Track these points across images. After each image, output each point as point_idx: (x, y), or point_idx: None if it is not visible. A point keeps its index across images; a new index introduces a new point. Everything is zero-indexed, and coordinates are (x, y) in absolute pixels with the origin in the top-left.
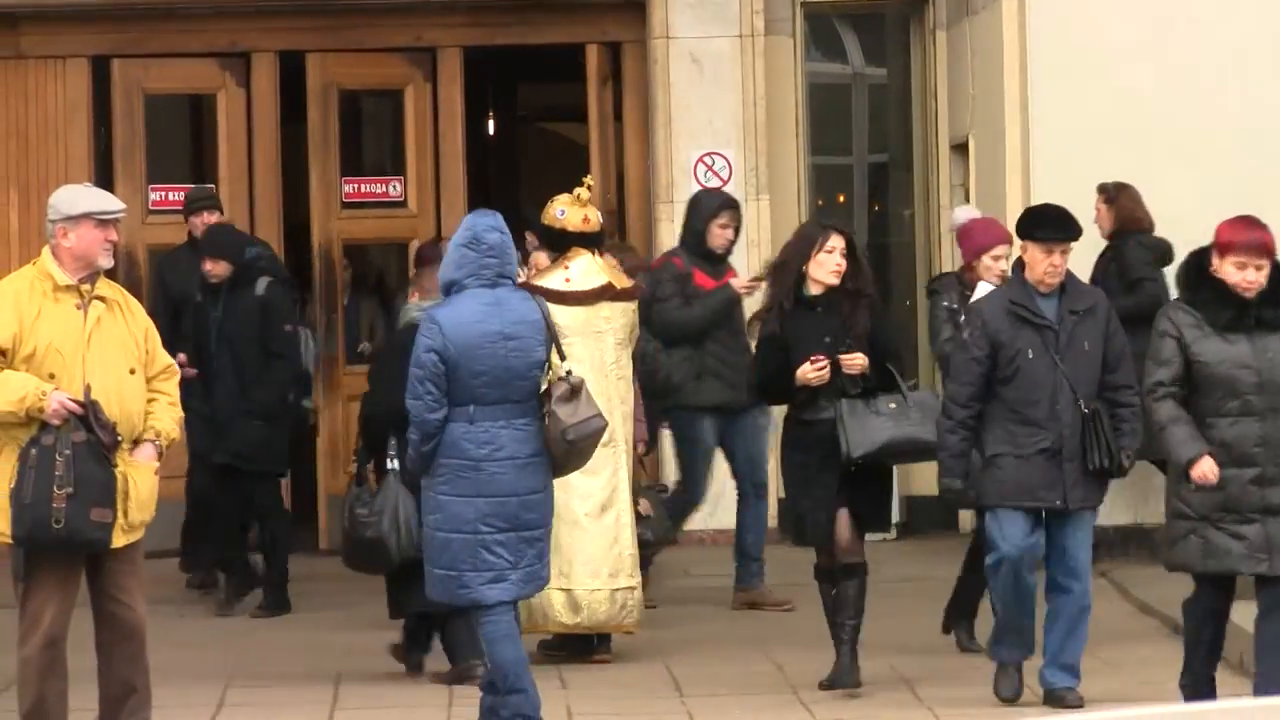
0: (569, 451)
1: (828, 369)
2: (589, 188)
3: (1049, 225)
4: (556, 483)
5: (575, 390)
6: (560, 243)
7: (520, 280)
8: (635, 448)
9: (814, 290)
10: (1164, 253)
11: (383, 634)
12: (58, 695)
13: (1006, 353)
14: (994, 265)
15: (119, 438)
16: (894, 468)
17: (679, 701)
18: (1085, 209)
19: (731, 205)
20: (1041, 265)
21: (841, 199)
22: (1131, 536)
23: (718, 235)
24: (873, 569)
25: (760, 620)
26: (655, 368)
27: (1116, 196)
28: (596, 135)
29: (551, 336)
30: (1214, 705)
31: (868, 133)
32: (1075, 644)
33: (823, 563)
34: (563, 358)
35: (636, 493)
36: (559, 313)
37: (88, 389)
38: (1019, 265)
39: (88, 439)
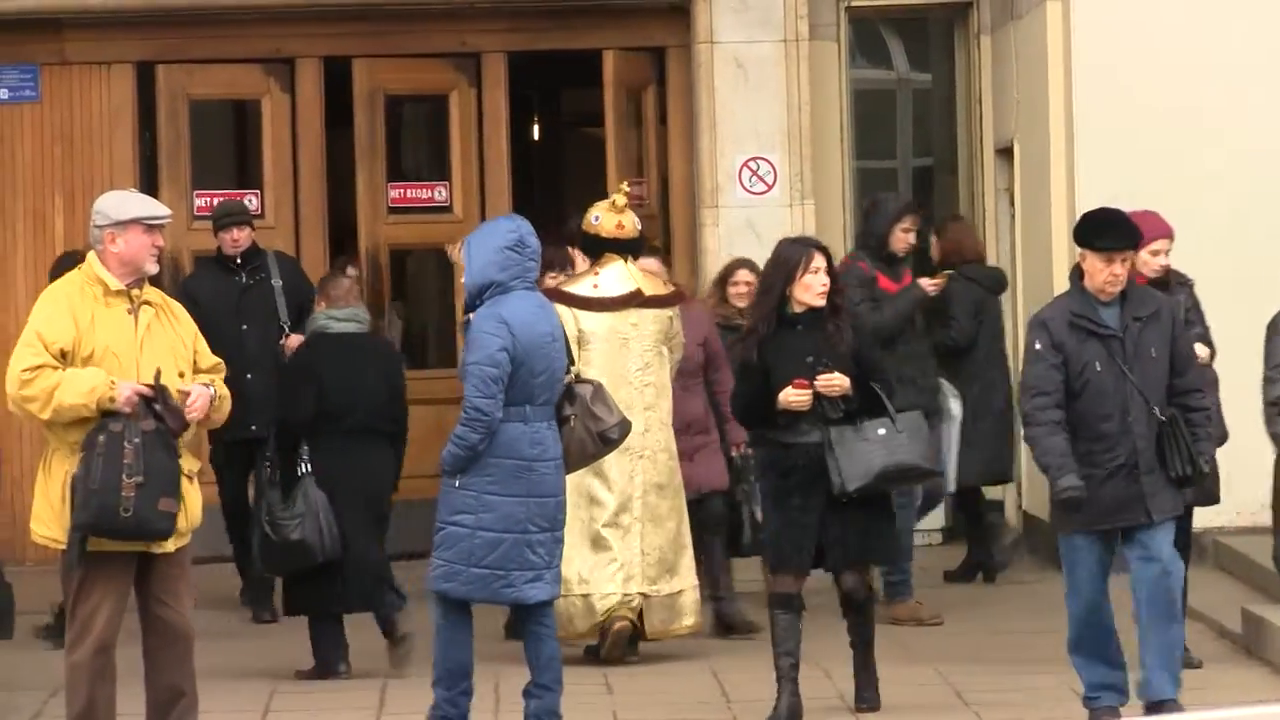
0: (600, 452)
1: (810, 396)
2: (626, 194)
3: (1108, 233)
4: (577, 490)
5: (599, 391)
6: (595, 248)
7: (550, 284)
8: (738, 446)
9: (796, 308)
10: (995, 282)
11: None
12: (107, 700)
13: (1074, 366)
14: (1152, 260)
15: (186, 422)
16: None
17: (725, 708)
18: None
19: (914, 210)
20: (1101, 275)
21: None
22: (1176, 542)
23: (900, 239)
24: (919, 573)
25: (808, 628)
26: None
27: (944, 229)
28: (614, 140)
29: (566, 341)
30: (1263, 710)
31: (912, 137)
32: (1170, 653)
33: (781, 588)
34: (573, 361)
35: (749, 497)
36: (585, 318)
37: (157, 373)
38: (1077, 274)
39: (156, 428)
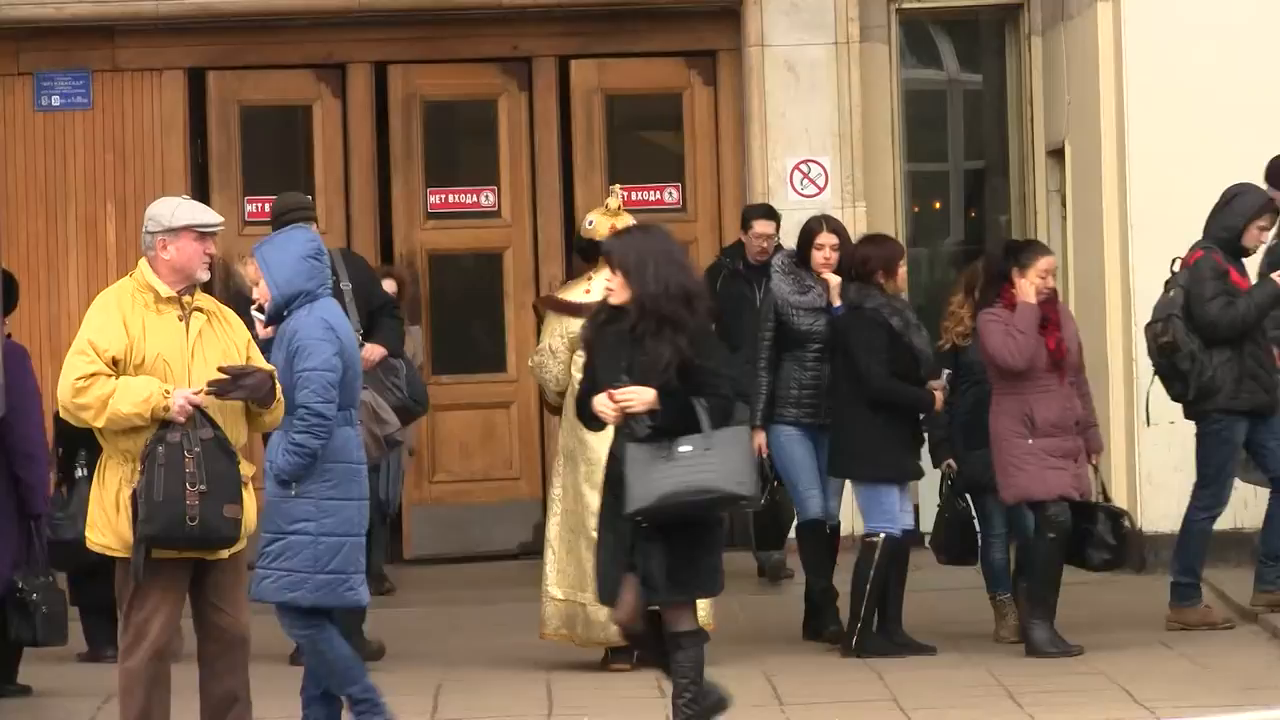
0: (383, 454)
1: (614, 413)
2: (619, 197)
3: None
4: (573, 495)
5: (376, 396)
6: (590, 253)
7: (555, 294)
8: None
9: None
10: None
11: (480, 642)
12: (162, 707)
13: None
14: None
15: (272, 388)
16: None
17: (778, 710)
18: (1181, 213)
19: (1273, 208)
20: None
21: (937, 205)
22: (1230, 541)
23: (1254, 235)
24: (963, 571)
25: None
26: (1201, 369)
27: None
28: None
29: None
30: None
31: (963, 139)
32: None
33: (624, 627)
34: None
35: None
36: (577, 324)
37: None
38: None
39: (214, 435)
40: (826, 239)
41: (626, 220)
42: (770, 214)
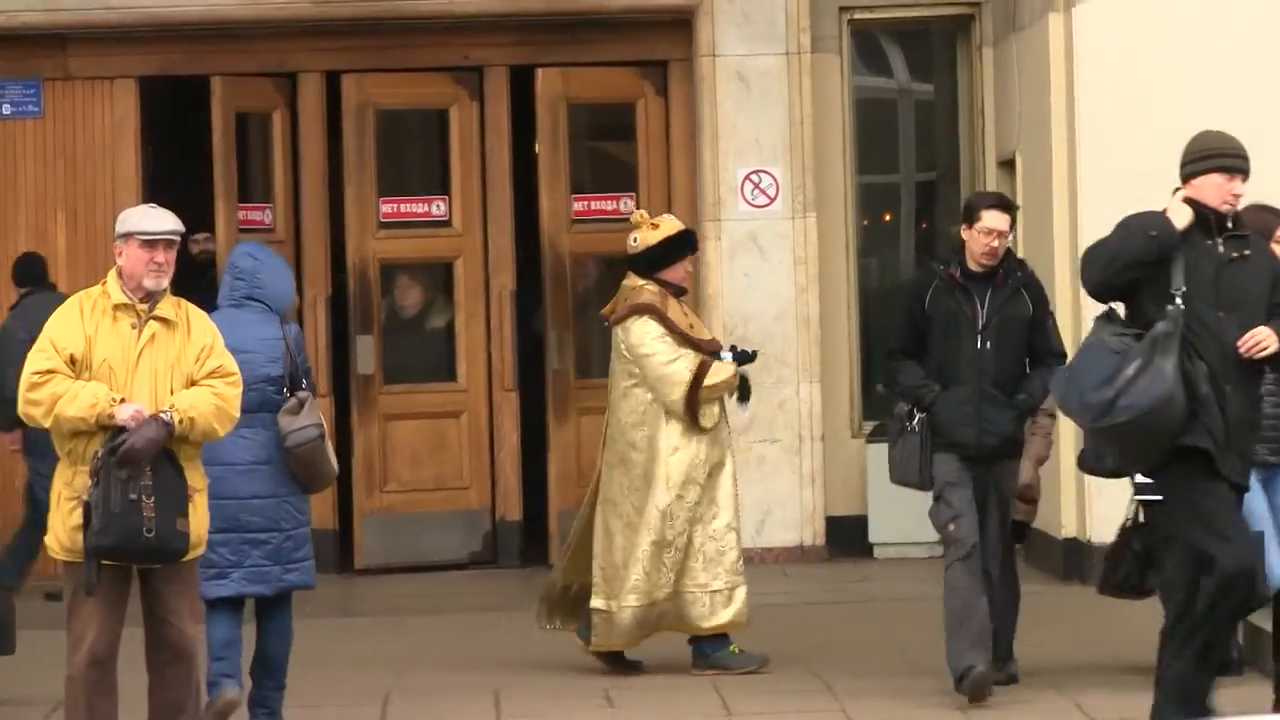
0: (293, 458)
1: None
2: (639, 214)
3: None
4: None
5: (301, 404)
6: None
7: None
8: None
9: None
10: None
11: (430, 651)
12: (106, 715)
13: None
14: None
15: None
16: None
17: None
18: None
19: None
20: None
21: (889, 217)
22: None
23: None
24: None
25: (809, 640)
26: None
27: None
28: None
29: (291, 356)
30: None
31: (915, 150)
32: None
33: None
34: (305, 376)
35: None
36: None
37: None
38: None
39: (166, 451)
40: None
41: (632, 235)
42: (1004, 205)
